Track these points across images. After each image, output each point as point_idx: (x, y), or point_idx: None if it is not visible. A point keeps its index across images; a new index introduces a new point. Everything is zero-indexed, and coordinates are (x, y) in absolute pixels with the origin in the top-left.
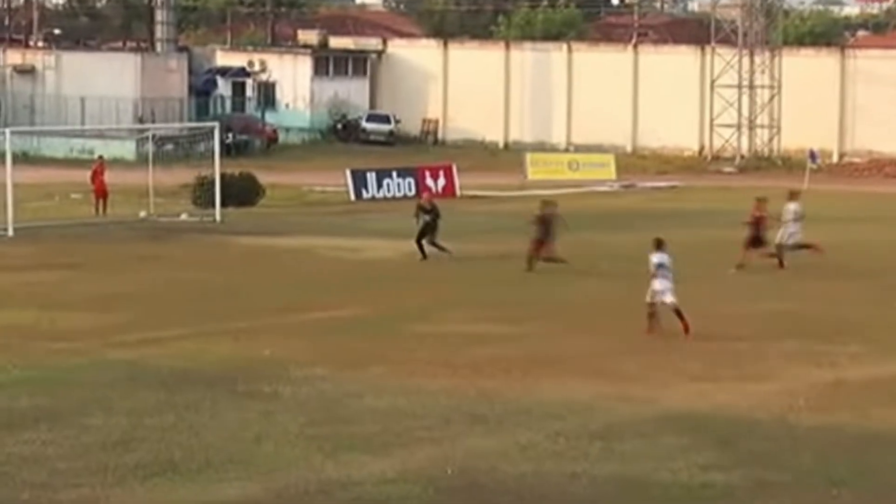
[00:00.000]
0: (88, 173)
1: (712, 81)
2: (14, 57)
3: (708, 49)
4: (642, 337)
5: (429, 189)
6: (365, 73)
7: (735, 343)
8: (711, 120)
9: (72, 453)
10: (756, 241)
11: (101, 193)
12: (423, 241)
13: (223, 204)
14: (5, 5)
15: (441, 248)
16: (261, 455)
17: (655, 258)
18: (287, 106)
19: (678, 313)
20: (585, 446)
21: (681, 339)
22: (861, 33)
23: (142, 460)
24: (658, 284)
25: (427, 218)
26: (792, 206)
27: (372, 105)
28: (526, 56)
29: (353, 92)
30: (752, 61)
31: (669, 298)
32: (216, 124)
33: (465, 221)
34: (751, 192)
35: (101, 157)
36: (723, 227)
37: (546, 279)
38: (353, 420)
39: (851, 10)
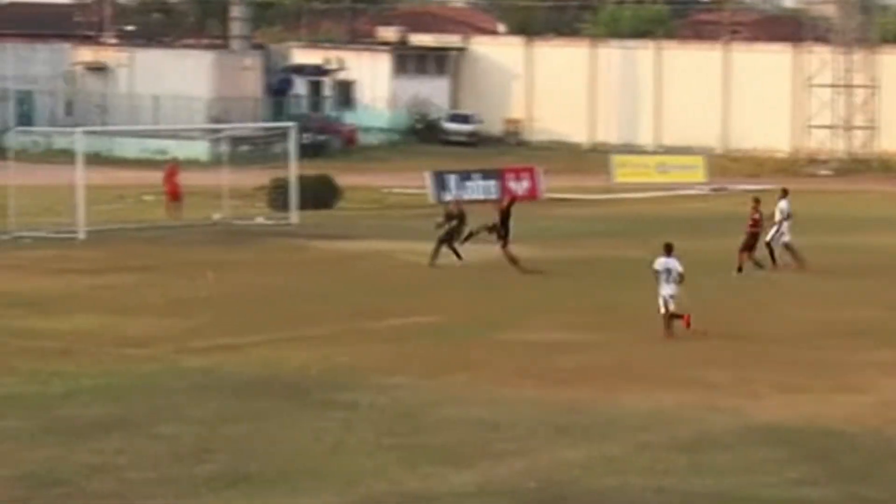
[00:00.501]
0: (161, 175)
1: (807, 80)
2: (86, 55)
3: (802, 47)
4: (731, 345)
5: (511, 192)
6: (446, 71)
7: (825, 352)
8: (806, 120)
9: (143, 463)
10: (753, 244)
11: (174, 196)
12: (448, 245)
13: (300, 207)
14: (77, 2)
15: (457, 254)
16: (337, 466)
17: (662, 263)
18: (366, 105)
19: (672, 317)
20: (673, 459)
21: (770, 348)
22: None
23: (215, 471)
24: (667, 290)
25: (453, 223)
26: (783, 205)
27: (453, 104)
28: (613, 54)
29: (433, 91)
30: (848, 59)
31: (671, 306)
32: (292, 124)
33: (547, 226)
34: (847, 196)
35: (174, 158)
36: (817, 233)
37: (630, 285)
38: (433, 430)
39: None
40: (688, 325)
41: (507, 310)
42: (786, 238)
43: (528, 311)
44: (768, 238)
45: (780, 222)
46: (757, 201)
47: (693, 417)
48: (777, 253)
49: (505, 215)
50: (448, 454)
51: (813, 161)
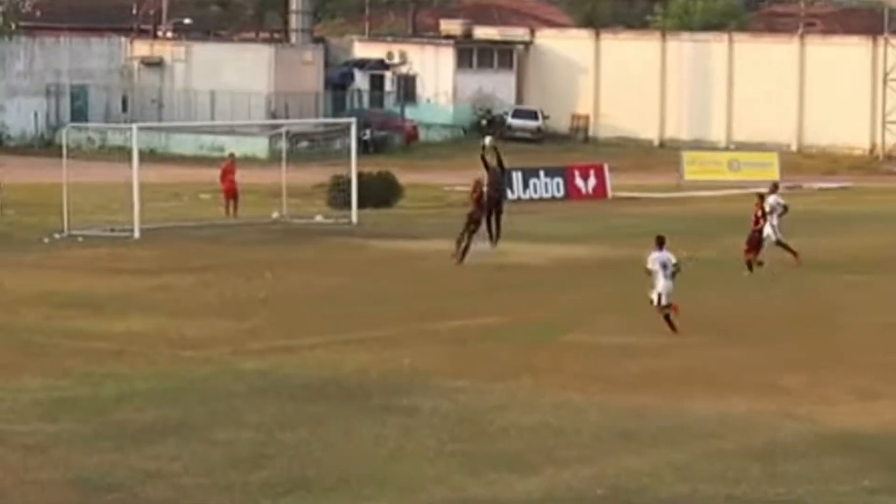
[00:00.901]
0: (218, 172)
1: (885, 75)
2: (141, 49)
3: (881, 40)
4: (804, 349)
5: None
6: (511, 65)
7: None
8: (884, 116)
9: (198, 469)
10: (758, 243)
11: (232, 193)
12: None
13: (360, 205)
14: None
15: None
16: (398, 473)
17: (655, 258)
18: (428, 101)
19: (665, 311)
20: (744, 467)
21: (845, 352)
22: None
23: (272, 477)
24: (663, 286)
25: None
26: (772, 200)
27: (518, 100)
28: (684, 47)
29: (498, 86)
30: None
31: (665, 300)
32: (353, 120)
33: (616, 224)
34: None
35: (231, 154)
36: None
37: (701, 286)
38: (497, 436)
39: None
40: (676, 310)
41: (572, 311)
42: (778, 234)
43: (593, 312)
44: (775, 237)
45: (772, 217)
46: (761, 198)
47: (765, 424)
48: (766, 248)
49: (487, 209)
50: (512, 460)
51: (891, 158)
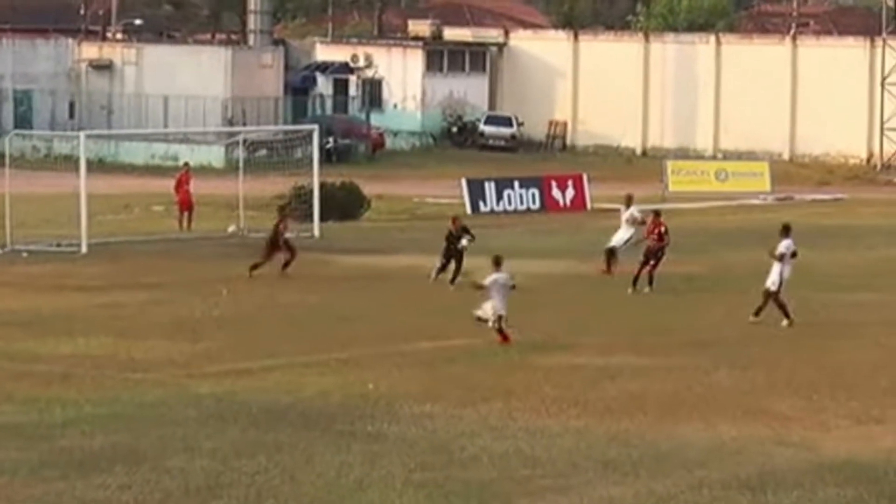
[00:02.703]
0: (172, 182)
1: (883, 79)
2: (90, 51)
3: (878, 41)
4: (801, 371)
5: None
6: (484, 68)
7: None
8: (882, 123)
9: (150, 499)
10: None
11: (187, 205)
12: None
13: (323, 218)
14: None
15: (442, 271)
16: (363, 503)
17: (493, 278)
18: (395, 106)
19: (498, 329)
20: (733, 498)
21: (845, 375)
22: None
23: None
24: (499, 304)
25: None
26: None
27: (491, 105)
28: (668, 49)
29: (470, 90)
30: None
31: (500, 314)
32: (315, 127)
33: (595, 239)
34: None
35: (186, 164)
36: (891, 247)
37: (689, 305)
38: (467, 464)
39: None
40: (503, 336)
41: (553, 332)
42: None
43: (575, 332)
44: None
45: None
46: (657, 214)
47: (757, 451)
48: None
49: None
50: (483, 490)
51: (889, 167)
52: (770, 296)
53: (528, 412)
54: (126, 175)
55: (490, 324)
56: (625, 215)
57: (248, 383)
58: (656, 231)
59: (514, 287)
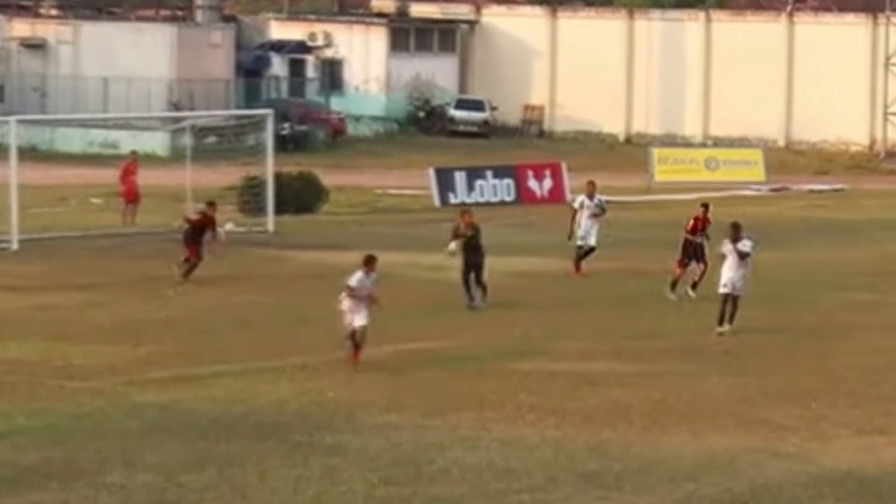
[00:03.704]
0: (112, 172)
1: (887, 58)
2: (21, 28)
3: (881, 18)
4: (799, 378)
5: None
6: (453, 48)
7: None
8: (885, 107)
9: None
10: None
11: (132, 197)
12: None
13: (277, 211)
14: None
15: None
16: None
17: (359, 279)
18: (357, 89)
19: (355, 343)
20: None
21: (846, 381)
22: None
23: None
24: (360, 317)
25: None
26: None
27: (462, 88)
28: (654, 27)
29: (438, 72)
30: None
31: (359, 322)
32: (270, 112)
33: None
34: None
35: (133, 152)
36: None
37: (677, 306)
38: (436, 479)
39: None
40: (355, 360)
41: (527, 335)
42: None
43: (554, 336)
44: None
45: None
46: (706, 207)
47: (750, 464)
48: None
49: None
50: None
51: (892, 155)
52: (736, 299)
53: (503, 422)
54: (62, 164)
55: (347, 335)
56: (589, 207)
57: (196, 391)
58: (703, 227)
59: (372, 294)
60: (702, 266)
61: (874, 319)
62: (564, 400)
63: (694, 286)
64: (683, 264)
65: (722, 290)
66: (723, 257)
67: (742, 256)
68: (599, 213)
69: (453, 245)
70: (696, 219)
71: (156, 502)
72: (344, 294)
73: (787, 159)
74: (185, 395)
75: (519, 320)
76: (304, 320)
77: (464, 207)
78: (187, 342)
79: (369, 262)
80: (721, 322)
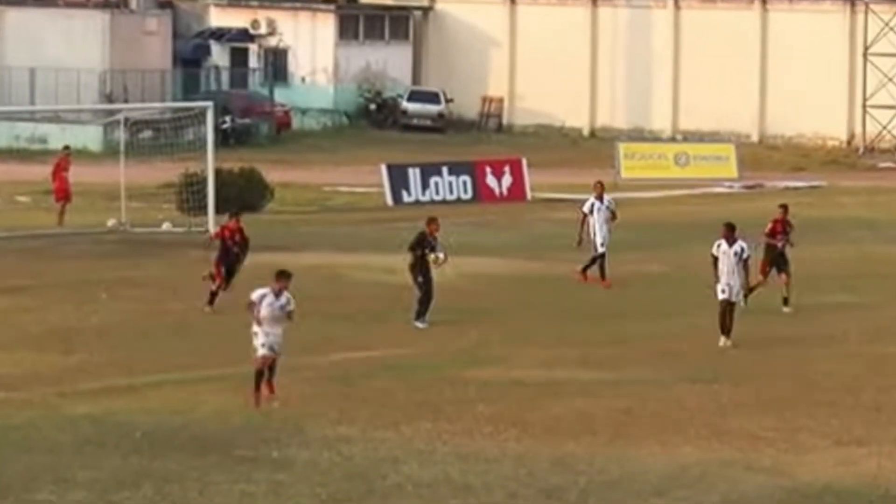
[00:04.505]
0: (40, 168)
1: (865, 48)
2: None
3: (860, 6)
4: (775, 386)
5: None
6: (406, 36)
7: (893, 395)
8: (864, 99)
9: None
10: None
11: (64, 194)
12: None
13: (219, 210)
14: None
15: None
16: None
17: (265, 298)
18: (303, 80)
19: (270, 377)
20: None
21: (823, 390)
22: None
23: None
24: (274, 334)
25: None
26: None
27: (415, 79)
28: (619, 15)
29: (390, 62)
30: None
31: (266, 352)
32: (210, 104)
33: (537, 233)
34: None
35: (66, 147)
36: (880, 242)
37: (647, 309)
38: (389, 495)
39: None
40: (270, 391)
41: (489, 342)
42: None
43: (513, 342)
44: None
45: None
46: (786, 209)
47: (722, 477)
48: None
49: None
50: None
51: (873, 150)
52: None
53: (459, 434)
54: None
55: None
56: (599, 210)
57: (132, 403)
58: (784, 230)
59: (290, 316)
60: (783, 277)
61: (852, 323)
62: (525, 410)
63: (785, 302)
64: (765, 271)
65: (721, 295)
66: (714, 260)
67: (743, 261)
68: (611, 216)
69: (441, 255)
70: (774, 221)
71: None
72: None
73: (760, 155)
74: (119, 406)
75: (476, 325)
76: (246, 326)
77: (431, 216)
78: (122, 350)
79: (281, 278)
80: (727, 333)
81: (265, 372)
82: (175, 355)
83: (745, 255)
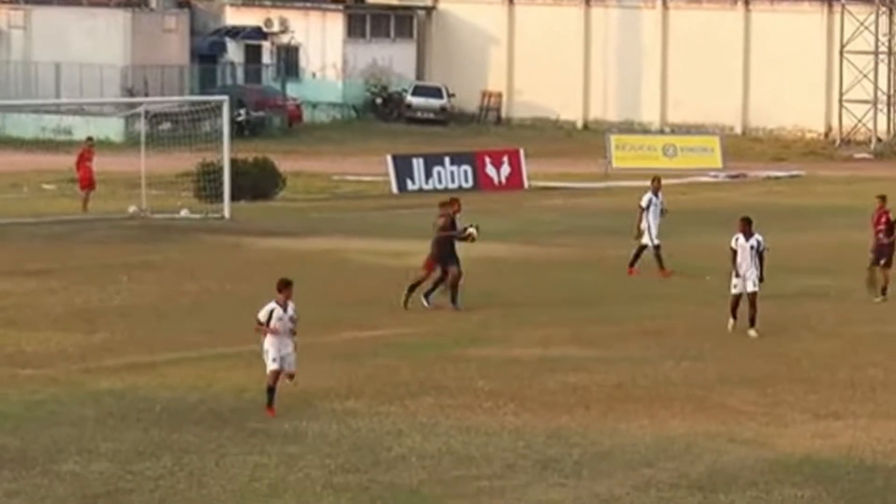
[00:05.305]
0: (65, 158)
1: (842, 46)
2: None
3: (836, 6)
4: (756, 363)
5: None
6: (411, 34)
7: (870, 371)
8: (841, 94)
9: None
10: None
11: (88, 183)
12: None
13: (234, 197)
14: None
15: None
16: None
17: (270, 313)
18: (314, 76)
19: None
20: (682, 499)
21: (803, 366)
22: None
23: None
24: (286, 347)
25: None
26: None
27: (419, 75)
28: (611, 14)
29: (395, 58)
30: (891, 21)
31: (275, 367)
32: (225, 98)
33: (534, 219)
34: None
35: (90, 138)
36: (856, 228)
37: (638, 292)
38: (394, 466)
39: None
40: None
41: (488, 322)
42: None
43: (512, 322)
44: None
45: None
46: (884, 199)
47: (707, 449)
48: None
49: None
50: (412, 494)
51: (849, 142)
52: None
53: (461, 408)
54: (14, 150)
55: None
56: (655, 205)
57: (152, 379)
58: (884, 221)
59: (294, 328)
60: (885, 269)
61: (830, 305)
62: (523, 386)
63: (883, 291)
64: (876, 262)
65: (733, 290)
66: (733, 253)
67: (759, 254)
68: (662, 211)
69: (473, 230)
70: (877, 212)
71: (111, 491)
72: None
73: (743, 146)
74: (140, 382)
75: (477, 307)
76: (260, 307)
77: (453, 197)
78: (142, 329)
79: (284, 289)
80: (752, 323)
81: (272, 388)
82: (192, 334)
83: (761, 249)
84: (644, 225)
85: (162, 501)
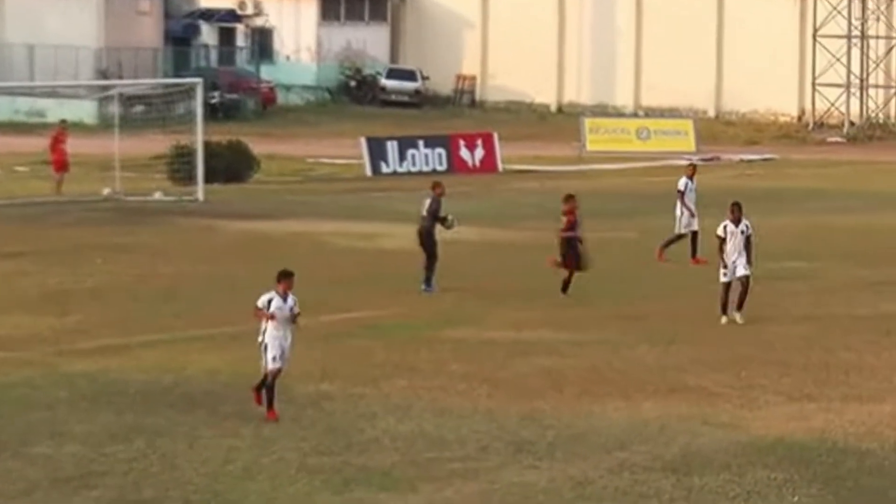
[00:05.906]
0: (38, 141)
1: (815, 31)
2: None
3: None
4: (729, 346)
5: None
6: (385, 17)
7: (843, 354)
8: (814, 78)
9: (13, 490)
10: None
11: (62, 165)
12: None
13: (207, 180)
14: None
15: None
16: (252, 493)
17: (268, 301)
18: (288, 58)
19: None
20: (655, 482)
21: (776, 349)
22: None
23: (102, 498)
24: (285, 344)
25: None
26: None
27: (393, 58)
28: None
29: (369, 41)
30: (864, 5)
31: (279, 364)
32: (199, 81)
33: (508, 202)
34: (862, 167)
35: (63, 121)
36: (829, 212)
37: (611, 275)
38: (367, 448)
39: None
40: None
41: (462, 304)
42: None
43: (486, 305)
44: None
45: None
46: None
47: (681, 431)
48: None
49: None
50: (385, 476)
51: (821, 125)
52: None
53: (434, 391)
54: None
55: (265, 376)
56: (690, 190)
57: (125, 361)
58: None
59: (296, 319)
60: None
61: (803, 288)
62: (496, 369)
63: None
64: None
65: (723, 278)
66: (721, 241)
67: (748, 239)
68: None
69: (451, 217)
70: None
71: (83, 474)
72: (263, 323)
73: (717, 129)
74: (113, 365)
75: (451, 289)
76: (234, 289)
77: (436, 181)
78: (115, 312)
79: (283, 280)
80: (739, 307)
81: (271, 386)
82: (166, 317)
83: (748, 233)
84: (679, 212)
85: (135, 484)
